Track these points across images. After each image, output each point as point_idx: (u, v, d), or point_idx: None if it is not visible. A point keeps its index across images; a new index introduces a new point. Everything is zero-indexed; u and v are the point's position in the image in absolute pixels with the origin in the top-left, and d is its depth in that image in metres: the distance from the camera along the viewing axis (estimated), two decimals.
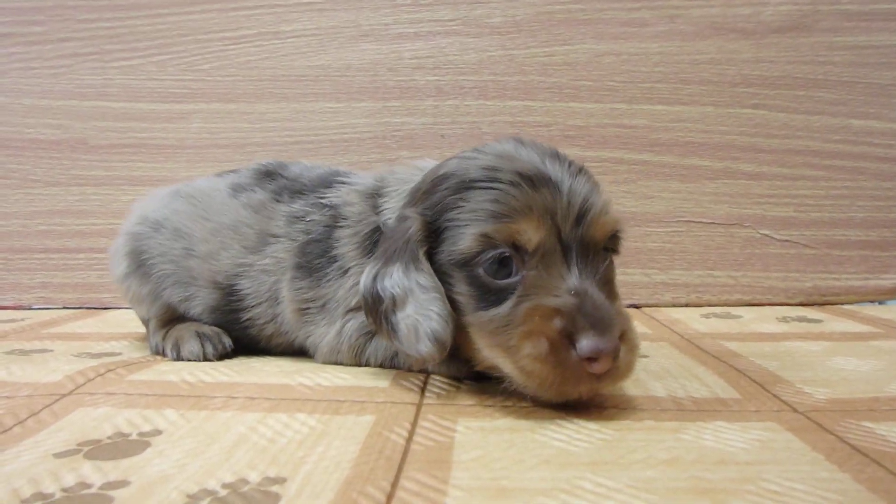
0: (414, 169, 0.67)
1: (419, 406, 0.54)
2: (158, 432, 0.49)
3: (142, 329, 0.84)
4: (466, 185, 0.54)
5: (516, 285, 0.52)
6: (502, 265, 0.52)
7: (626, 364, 0.49)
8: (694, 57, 1.07)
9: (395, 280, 0.55)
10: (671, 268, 1.07)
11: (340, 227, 0.67)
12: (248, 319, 0.73)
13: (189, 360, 0.71)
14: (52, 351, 0.79)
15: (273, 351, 0.75)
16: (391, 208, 0.64)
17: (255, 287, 0.71)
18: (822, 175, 1.07)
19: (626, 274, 1.07)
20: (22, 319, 1.05)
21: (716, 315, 0.97)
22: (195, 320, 0.76)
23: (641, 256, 1.07)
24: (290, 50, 1.11)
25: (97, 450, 0.45)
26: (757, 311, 1.00)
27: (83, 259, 1.15)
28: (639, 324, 0.91)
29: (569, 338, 0.47)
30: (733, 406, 0.53)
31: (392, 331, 0.56)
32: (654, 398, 0.56)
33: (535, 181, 0.52)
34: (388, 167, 0.72)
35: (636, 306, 1.06)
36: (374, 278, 0.57)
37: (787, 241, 1.06)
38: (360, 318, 0.64)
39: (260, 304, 0.71)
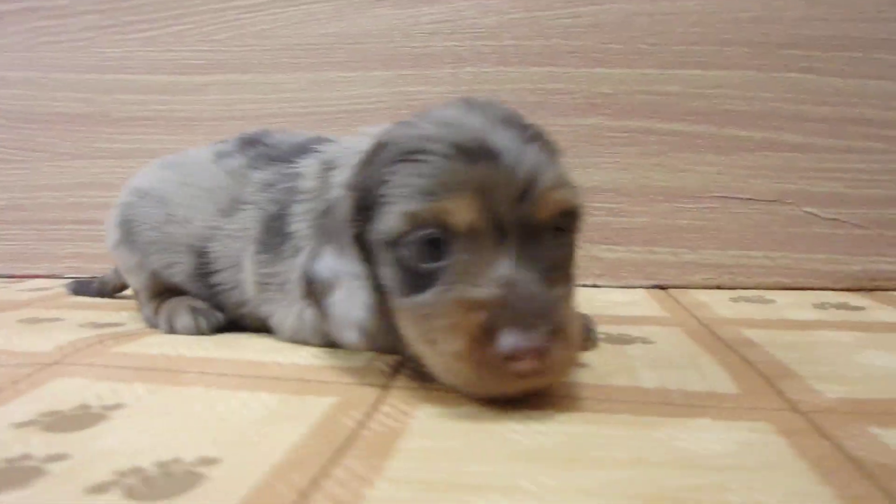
0: (363, 136, 0.62)
1: (386, 389, 0.52)
2: (120, 406, 0.49)
3: None
4: (399, 158, 0.49)
5: (443, 271, 0.47)
6: (432, 247, 0.47)
7: (561, 363, 0.44)
8: (736, 15, 0.97)
9: (326, 263, 0.53)
10: (703, 247, 0.99)
11: (297, 201, 0.64)
12: (217, 284, 0.72)
13: (182, 334, 0.72)
14: (62, 320, 0.81)
15: (245, 324, 0.73)
16: (339, 182, 0.60)
17: (223, 251, 0.70)
18: (879, 147, 0.96)
19: (654, 253, 1.00)
20: (49, 288, 1.09)
21: (747, 299, 0.89)
22: (180, 290, 0.76)
23: (671, 234, 0.99)
24: (304, 17, 1.07)
25: (55, 421, 0.46)
26: (795, 295, 0.92)
27: None
28: (658, 306, 0.85)
29: (491, 333, 0.42)
30: (727, 402, 0.48)
31: (325, 314, 0.53)
32: (641, 389, 0.51)
33: (472, 153, 0.46)
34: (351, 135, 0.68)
35: (662, 287, 0.99)
36: (311, 259, 0.55)
37: (834, 219, 0.97)
38: None
39: (227, 268, 0.71)
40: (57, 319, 0.82)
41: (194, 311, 0.73)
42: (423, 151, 0.47)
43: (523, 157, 0.46)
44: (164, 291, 0.77)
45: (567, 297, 0.47)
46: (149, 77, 1.14)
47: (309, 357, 0.62)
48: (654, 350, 0.62)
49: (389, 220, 0.48)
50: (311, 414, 0.47)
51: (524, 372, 0.42)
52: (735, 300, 0.89)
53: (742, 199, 0.98)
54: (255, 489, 0.35)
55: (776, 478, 0.36)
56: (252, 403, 0.49)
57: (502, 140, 0.47)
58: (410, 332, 0.49)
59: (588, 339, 0.62)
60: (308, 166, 0.67)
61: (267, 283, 0.66)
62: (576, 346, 0.46)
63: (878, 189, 0.97)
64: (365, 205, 0.51)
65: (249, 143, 0.76)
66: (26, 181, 1.21)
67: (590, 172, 1.00)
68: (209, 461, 0.39)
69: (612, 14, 0.99)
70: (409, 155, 0.48)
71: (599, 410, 0.46)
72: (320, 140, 0.72)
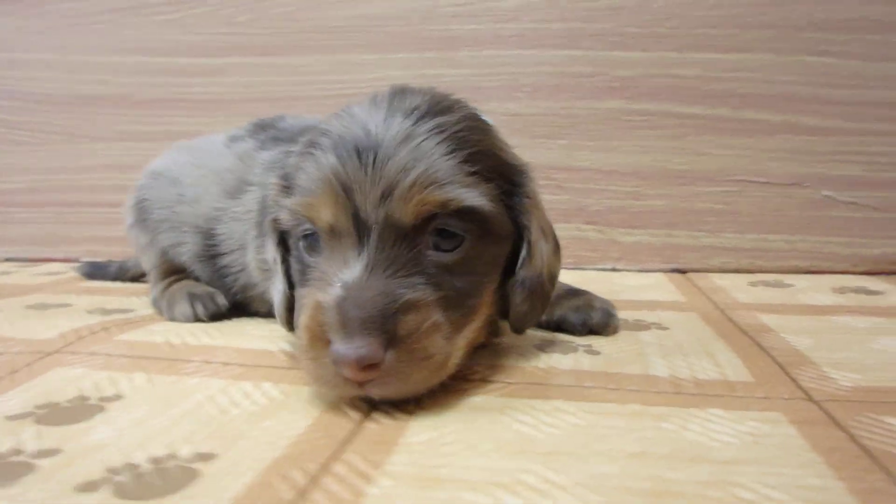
0: None
1: None
2: (119, 397, 0.48)
3: None
4: (303, 151, 0.49)
5: (314, 267, 0.47)
6: (314, 242, 0.48)
7: (403, 375, 0.42)
8: None
9: (268, 247, 0.55)
10: (722, 231, 0.99)
11: None
12: (224, 266, 0.73)
13: (181, 322, 0.72)
14: (70, 306, 0.81)
15: (254, 308, 0.74)
16: None
17: (230, 233, 0.71)
18: None
19: (672, 236, 1.00)
20: (63, 273, 1.08)
21: (765, 283, 0.90)
22: (187, 272, 0.78)
23: (689, 217, 0.99)
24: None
25: (50, 414, 0.45)
26: (813, 279, 0.92)
27: None
28: (675, 291, 0.85)
29: (327, 336, 0.42)
30: (739, 391, 0.48)
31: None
32: (653, 378, 0.51)
33: (345, 150, 0.45)
34: None
35: (681, 271, 0.99)
36: (262, 243, 0.58)
37: (852, 202, 0.96)
38: None
39: (233, 251, 0.71)
40: (65, 305, 0.81)
41: (192, 297, 0.72)
42: (315, 146, 0.47)
43: (396, 154, 0.44)
44: (173, 272, 0.78)
45: (430, 304, 0.44)
46: (168, 59, 1.15)
47: None
48: (669, 336, 0.63)
49: (282, 213, 0.50)
50: (314, 405, 0.46)
51: (352, 378, 0.41)
52: (753, 284, 0.89)
53: (760, 182, 0.98)
54: (251, 487, 0.34)
55: (787, 471, 0.36)
56: (254, 394, 0.48)
57: (385, 136, 0.45)
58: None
59: (608, 325, 0.63)
60: None
61: (267, 269, 0.64)
62: (426, 360, 0.43)
63: None
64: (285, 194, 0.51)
65: (262, 127, 0.77)
66: (44, 163, 1.23)
67: (609, 155, 1.00)
68: (205, 457, 0.38)
69: None
70: (308, 148, 0.48)
71: (609, 400, 0.46)
72: None
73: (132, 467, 0.37)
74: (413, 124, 0.46)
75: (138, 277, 0.99)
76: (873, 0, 0.94)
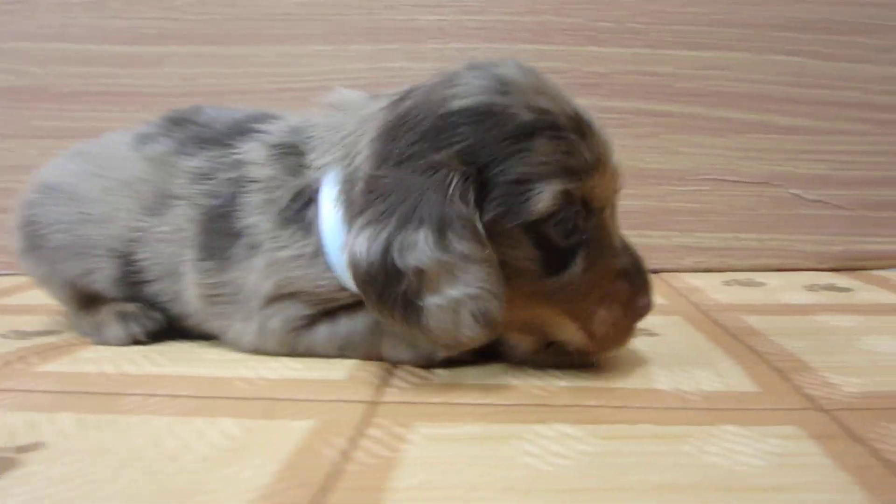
0: (336, 112, 0.56)
1: (374, 406, 0.46)
2: (40, 445, 0.39)
3: None
4: (528, 131, 0.46)
5: (581, 245, 0.49)
6: (567, 224, 0.48)
7: None
8: None
9: (423, 251, 0.43)
10: (694, 230, 0.98)
11: (247, 192, 0.55)
12: (152, 294, 0.61)
13: (114, 346, 0.62)
14: None
15: (193, 333, 0.63)
16: (326, 163, 0.53)
17: (154, 258, 0.60)
18: (862, 129, 0.97)
19: (645, 237, 0.98)
20: None
21: (738, 282, 0.89)
22: (108, 297, 0.65)
23: (662, 217, 0.98)
24: None
25: None
26: (784, 277, 0.93)
27: None
28: (656, 293, 0.84)
29: (632, 297, 0.50)
30: (750, 403, 0.46)
31: (413, 315, 0.44)
32: (658, 392, 0.48)
33: (585, 126, 0.48)
34: (302, 117, 0.59)
35: (655, 271, 0.98)
36: (387, 248, 0.44)
37: (818, 201, 0.97)
38: (284, 311, 0.55)
39: (161, 278, 0.60)
40: None
41: (124, 317, 0.62)
42: (551, 126, 0.47)
43: (602, 128, 0.50)
44: (91, 300, 0.66)
45: None
46: (94, 47, 1.03)
47: (282, 369, 0.54)
48: (661, 344, 0.60)
49: (543, 200, 0.46)
50: (283, 445, 0.40)
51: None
52: (728, 283, 0.89)
53: (732, 181, 0.98)
54: None
55: (825, 497, 0.33)
56: (209, 433, 0.41)
57: (584, 109, 0.50)
58: (549, 311, 0.50)
59: None
60: (251, 150, 0.57)
61: (216, 296, 0.56)
62: None
63: (861, 171, 0.98)
64: (478, 181, 0.46)
65: (177, 122, 0.65)
66: None
67: None
68: None
69: None
70: (537, 129, 0.46)
71: (618, 421, 0.42)
72: (263, 118, 0.61)
73: None
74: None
75: None
76: (838, 2, 0.95)
